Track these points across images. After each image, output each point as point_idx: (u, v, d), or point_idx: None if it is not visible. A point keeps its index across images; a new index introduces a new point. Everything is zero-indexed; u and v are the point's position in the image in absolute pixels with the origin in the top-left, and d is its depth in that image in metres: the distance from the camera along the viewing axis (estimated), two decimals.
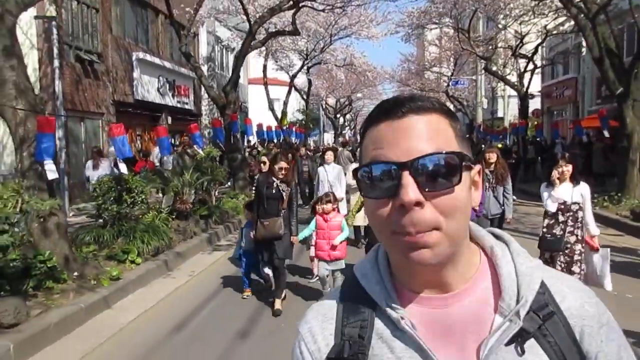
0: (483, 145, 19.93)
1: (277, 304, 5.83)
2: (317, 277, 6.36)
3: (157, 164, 13.14)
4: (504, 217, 6.83)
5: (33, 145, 6.02)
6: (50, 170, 5.80)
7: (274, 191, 5.86)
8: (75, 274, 6.17)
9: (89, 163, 11.67)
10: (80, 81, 13.67)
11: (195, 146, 11.26)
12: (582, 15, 12.00)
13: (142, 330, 5.51)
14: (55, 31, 11.80)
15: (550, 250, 5.21)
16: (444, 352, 0.80)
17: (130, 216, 7.99)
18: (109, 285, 6.23)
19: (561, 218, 5.16)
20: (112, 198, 7.79)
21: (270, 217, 5.81)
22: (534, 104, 29.89)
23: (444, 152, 0.76)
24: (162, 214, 8.94)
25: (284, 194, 5.89)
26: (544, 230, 5.31)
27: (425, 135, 0.77)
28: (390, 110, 0.80)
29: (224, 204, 11.51)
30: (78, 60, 13.59)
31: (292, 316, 5.65)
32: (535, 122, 24.11)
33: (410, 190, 0.74)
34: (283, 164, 5.94)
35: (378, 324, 0.84)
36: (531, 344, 0.79)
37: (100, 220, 8.06)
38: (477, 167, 0.84)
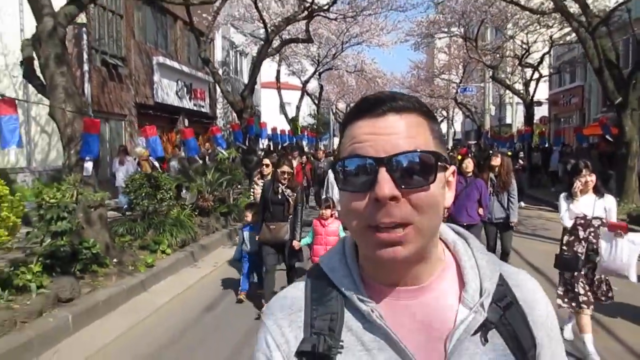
0: (491, 152, 20.45)
1: None
2: None
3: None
4: (509, 221, 6.76)
5: (79, 144, 6.72)
6: (87, 168, 6.45)
7: (279, 197, 5.79)
8: (115, 260, 6.85)
9: (116, 160, 12.41)
10: (106, 84, 14.43)
11: (218, 147, 11.98)
12: (583, 29, 12.58)
13: (175, 311, 6.17)
14: (85, 37, 12.55)
15: (567, 270, 4.60)
16: (412, 343, 0.82)
17: (159, 211, 8.67)
18: (145, 271, 6.90)
19: (582, 234, 4.57)
20: (143, 194, 8.48)
21: (277, 222, 5.78)
22: (542, 111, 30.43)
23: (420, 150, 0.79)
24: (186, 210, 9.62)
25: (290, 199, 5.81)
26: (563, 248, 4.69)
27: (404, 134, 0.80)
28: (371, 108, 0.82)
29: (241, 203, 12.16)
30: (104, 64, 14.35)
31: None
32: (542, 129, 24.60)
33: (386, 185, 0.77)
34: (286, 169, 5.83)
35: (347, 316, 0.85)
36: (492, 333, 0.84)
37: (128, 213, 8.75)
38: (452, 168, 0.87)
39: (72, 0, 7.21)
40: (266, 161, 7.92)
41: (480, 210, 6.57)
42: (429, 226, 0.81)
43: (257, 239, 5.97)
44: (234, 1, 18.18)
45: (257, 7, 14.39)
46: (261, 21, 15.42)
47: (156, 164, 8.60)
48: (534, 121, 27.35)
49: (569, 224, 4.57)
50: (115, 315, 5.77)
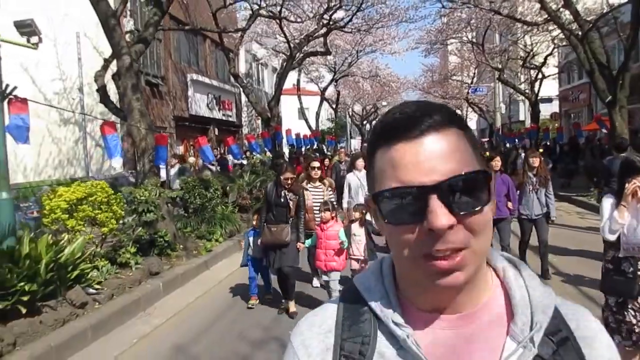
0: (503, 148, 21.88)
1: (292, 306, 6.14)
2: (318, 286, 6.88)
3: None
4: (548, 216, 6.99)
5: (152, 154, 8.46)
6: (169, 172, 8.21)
7: (281, 200, 6.03)
8: (181, 246, 8.57)
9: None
10: (150, 101, 16.28)
11: (253, 152, 13.69)
12: (574, 37, 14.00)
13: (233, 283, 7.83)
14: None
15: (619, 294, 3.61)
16: None
17: (209, 207, 10.39)
18: (206, 254, 8.63)
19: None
20: (196, 194, 10.22)
21: (278, 223, 5.99)
22: (553, 107, 31.62)
23: (471, 171, 0.74)
24: (229, 207, 11.34)
25: (291, 202, 6.06)
26: (609, 266, 3.69)
27: (448, 155, 0.74)
28: (406, 128, 0.75)
29: None
30: (148, 84, 16.21)
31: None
32: (546, 126, 25.87)
33: (441, 214, 0.71)
34: (289, 174, 6.09)
35: (381, 341, 0.80)
36: None
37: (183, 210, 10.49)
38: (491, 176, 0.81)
39: (139, 39, 8.99)
40: (315, 164, 7.65)
41: (510, 205, 6.86)
42: (484, 247, 0.77)
43: (259, 242, 6.16)
44: (258, 20, 19.90)
45: (281, 28, 16.11)
46: (283, 36, 17.16)
47: (212, 167, 10.33)
48: (546, 117, 28.60)
49: (612, 237, 3.55)
50: (191, 285, 7.51)
